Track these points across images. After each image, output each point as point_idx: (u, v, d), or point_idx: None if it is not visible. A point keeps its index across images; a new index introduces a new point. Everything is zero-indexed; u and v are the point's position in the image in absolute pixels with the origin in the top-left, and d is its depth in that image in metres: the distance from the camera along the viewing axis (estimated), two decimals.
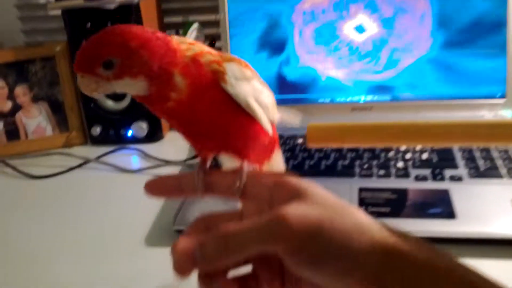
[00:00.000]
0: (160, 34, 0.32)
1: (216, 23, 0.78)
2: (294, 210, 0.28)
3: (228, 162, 0.38)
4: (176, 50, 0.32)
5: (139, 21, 0.78)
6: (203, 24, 0.88)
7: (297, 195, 0.30)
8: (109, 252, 0.55)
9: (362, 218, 0.29)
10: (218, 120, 0.34)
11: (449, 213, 0.52)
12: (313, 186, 0.31)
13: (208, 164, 0.36)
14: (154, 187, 0.37)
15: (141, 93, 0.32)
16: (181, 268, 0.30)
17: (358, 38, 0.75)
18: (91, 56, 0.30)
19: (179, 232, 0.56)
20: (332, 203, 0.30)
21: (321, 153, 0.66)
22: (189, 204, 0.58)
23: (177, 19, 0.93)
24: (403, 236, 0.29)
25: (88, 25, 0.79)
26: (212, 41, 0.86)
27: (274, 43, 0.77)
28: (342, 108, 0.77)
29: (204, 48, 0.34)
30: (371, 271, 0.27)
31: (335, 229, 0.28)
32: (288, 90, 0.77)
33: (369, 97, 0.76)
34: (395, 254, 0.28)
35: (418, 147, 0.65)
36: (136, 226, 0.58)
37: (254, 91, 0.34)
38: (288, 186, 0.31)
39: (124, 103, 0.81)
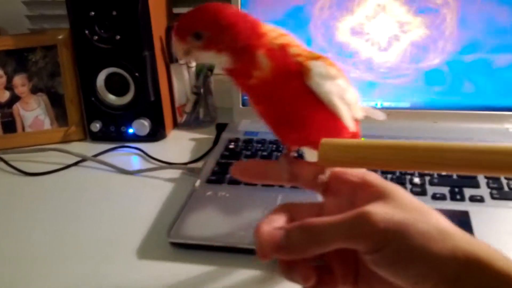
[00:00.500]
0: (250, 18, 0.34)
1: None
2: (380, 210, 0.29)
3: (310, 155, 0.41)
4: (264, 35, 0.34)
5: (146, 10, 0.74)
6: None
7: (381, 196, 0.31)
8: (97, 262, 0.51)
9: (444, 223, 0.30)
10: (298, 111, 0.35)
11: None
12: (398, 188, 0.32)
13: (293, 154, 0.37)
14: (241, 170, 0.38)
15: (225, 66, 0.34)
16: (264, 252, 0.31)
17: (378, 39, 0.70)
18: (185, 25, 0.34)
19: (174, 245, 0.52)
20: (416, 206, 0.30)
21: None
22: (186, 215, 0.54)
23: (186, 9, 0.88)
24: (483, 244, 0.29)
25: (92, 13, 0.75)
26: None
27: None
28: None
29: (295, 41, 0.35)
30: (450, 277, 0.28)
31: (418, 232, 0.29)
32: None
33: (387, 103, 0.71)
34: (475, 261, 0.28)
35: None
36: (128, 235, 0.55)
37: (339, 89, 0.35)
38: (373, 186, 0.32)
39: (127, 98, 0.77)
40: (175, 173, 0.68)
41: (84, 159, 0.72)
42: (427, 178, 0.58)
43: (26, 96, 0.80)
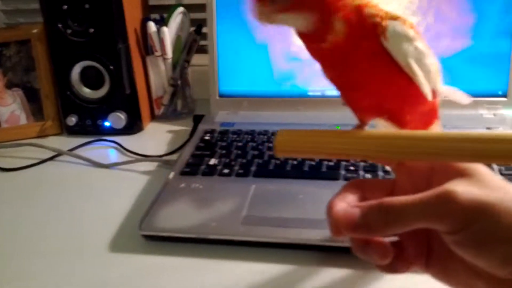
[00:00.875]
0: None
1: (203, 7, 0.73)
2: (464, 188, 0.28)
3: (383, 128, 0.38)
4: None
5: (119, 2, 0.73)
6: (190, 8, 0.83)
7: (463, 173, 0.30)
8: (69, 256, 0.51)
9: None
10: (372, 75, 0.33)
11: None
12: (479, 166, 0.30)
13: (365, 127, 0.36)
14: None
15: (301, 29, 0.33)
16: (339, 231, 0.31)
17: None
18: None
19: (146, 237, 0.52)
20: (500, 185, 0.29)
21: None
22: (158, 207, 0.54)
23: (163, 1, 0.88)
24: None
25: (65, 7, 0.74)
26: (198, 26, 0.81)
27: (262, 30, 0.72)
28: (334, 102, 0.72)
29: (373, 0, 0.33)
30: None
31: (505, 211, 0.27)
32: (277, 82, 0.73)
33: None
34: None
35: None
36: (101, 229, 0.54)
37: (417, 52, 0.33)
38: (452, 164, 0.31)
39: (102, 92, 0.76)
40: (150, 165, 0.67)
41: (60, 154, 0.71)
42: None
43: (1, 91, 0.79)
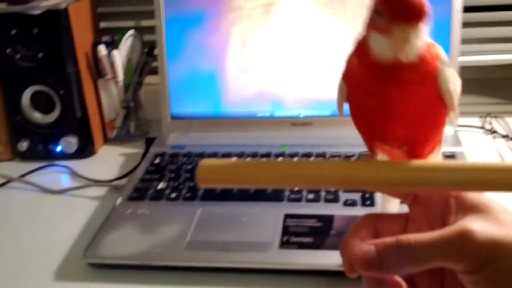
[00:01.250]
0: None
1: (154, 29, 0.74)
2: (481, 227, 0.28)
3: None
4: None
5: (68, 27, 0.74)
6: (141, 30, 0.84)
7: (478, 209, 0.30)
8: (15, 285, 0.51)
9: None
10: (422, 106, 0.32)
11: None
12: (493, 201, 0.30)
13: (376, 157, 0.36)
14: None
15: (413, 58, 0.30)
16: (353, 269, 0.31)
17: (297, 53, 0.72)
18: (419, 11, 0.29)
19: (92, 265, 0.52)
20: None
21: None
22: (103, 234, 0.55)
23: (114, 24, 0.89)
24: None
25: (13, 32, 0.74)
26: (150, 48, 0.82)
27: (212, 53, 0.74)
28: (282, 123, 0.74)
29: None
30: None
31: None
32: (226, 103, 0.74)
33: (309, 112, 0.73)
34: None
35: None
36: (47, 257, 0.55)
37: (455, 79, 0.33)
38: (467, 198, 0.31)
39: (53, 116, 0.76)
40: (101, 190, 0.68)
41: (10, 180, 0.71)
42: None
43: None
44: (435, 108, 0.33)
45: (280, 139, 0.72)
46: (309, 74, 0.72)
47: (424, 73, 0.31)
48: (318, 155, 0.68)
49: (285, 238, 0.52)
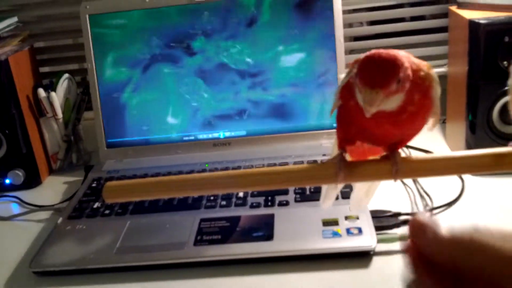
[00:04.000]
0: (406, 56, 0.35)
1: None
2: None
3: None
4: (415, 72, 0.36)
5: (9, 75, 0.83)
6: (77, 72, 0.95)
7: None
8: None
9: None
10: (420, 121, 0.38)
11: (268, 236, 0.62)
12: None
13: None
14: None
15: (392, 109, 0.35)
16: None
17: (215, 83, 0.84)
18: (388, 78, 0.34)
19: (37, 274, 0.62)
20: None
21: None
22: (46, 247, 0.64)
23: (53, 68, 0.99)
24: None
25: None
26: (85, 88, 0.92)
27: (140, 87, 0.85)
28: (205, 144, 0.85)
29: (413, 58, 0.37)
30: None
31: None
32: (155, 131, 0.85)
33: (228, 133, 0.85)
34: None
35: None
36: None
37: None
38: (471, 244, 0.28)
39: (1, 153, 0.85)
40: (46, 214, 0.77)
41: None
42: (249, 192, 0.72)
43: None
44: (425, 118, 0.38)
45: (204, 158, 0.83)
46: (227, 100, 0.84)
47: (419, 106, 0.36)
48: (233, 169, 0.79)
49: (199, 237, 0.63)
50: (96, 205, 0.73)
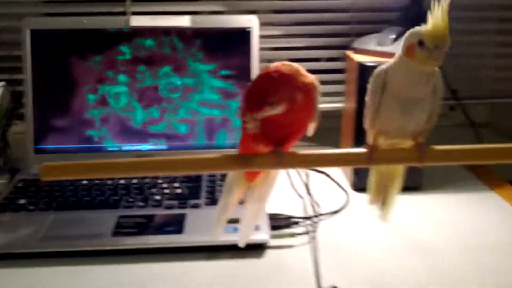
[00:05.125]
0: (286, 71, 0.47)
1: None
2: None
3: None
4: (296, 79, 0.47)
5: None
6: (12, 82, 1.01)
7: None
8: None
9: None
10: (306, 116, 0.50)
11: (178, 230, 0.71)
12: None
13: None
14: None
15: (279, 112, 0.47)
16: None
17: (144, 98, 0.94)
18: (259, 100, 0.45)
19: None
20: None
21: (98, 191, 0.82)
22: None
23: None
24: None
25: None
26: (18, 97, 0.98)
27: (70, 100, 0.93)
28: (128, 155, 0.94)
29: (298, 67, 0.49)
30: None
31: None
32: (81, 140, 0.93)
33: (151, 146, 0.94)
34: None
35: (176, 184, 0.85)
36: None
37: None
38: None
39: None
40: None
41: None
42: (166, 196, 0.81)
43: None
44: (308, 120, 0.52)
45: None
46: (152, 116, 0.94)
47: (305, 105, 0.49)
48: (152, 178, 0.88)
49: (117, 230, 0.71)
50: (21, 201, 0.79)
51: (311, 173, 0.97)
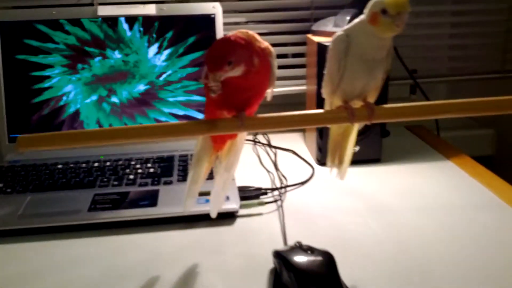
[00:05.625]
0: (242, 36, 0.51)
1: None
2: None
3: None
4: (253, 43, 0.52)
5: None
6: None
7: None
8: None
9: None
10: (264, 80, 0.54)
11: (153, 203, 0.75)
12: None
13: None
14: None
15: (238, 74, 0.51)
16: None
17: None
18: (219, 60, 0.49)
19: None
20: None
21: (73, 173, 0.85)
22: None
23: None
24: None
25: None
26: None
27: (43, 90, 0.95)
28: None
29: (254, 34, 0.53)
30: None
31: None
32: (54, 129, 0.95)
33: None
34: None
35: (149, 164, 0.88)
36: None
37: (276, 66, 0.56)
38: None
39: None
40: None
41: None
42: (139, 175, 0.84)
43: None
44: (266, 84, 0.56)
45: (98, 152, 0.95)
46: (125, 99, 0.97)
47: (261, 67, 0.53)
48: (125, 160, 0.91)
49: (93, 206, 0.75)
50: None
51: (279, 152, 1.02)
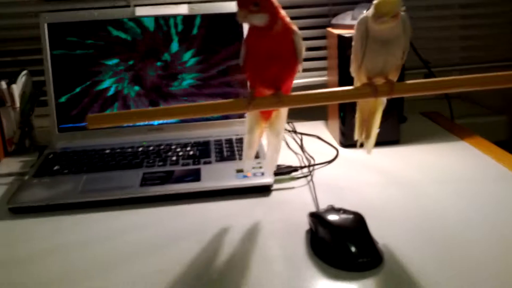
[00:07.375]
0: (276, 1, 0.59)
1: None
2: None
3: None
4: (281, 12, 0.60)
5: None
6: (34, 72, 1.12)
7: None
8: None
9: None
10: (286, 52, 0.61)
11: (196, 179, 0.84)
12: None
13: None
14: None
15: (260, 24, 0.58)
16: None
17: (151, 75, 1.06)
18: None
19: (11, 210, 0.78)
20: None
21: (120, 156, 0.94)
22: (18, 193, 0.81)
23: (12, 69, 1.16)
24: None
25: None
26: (39, 85, 1.10)
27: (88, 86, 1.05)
28: (141, 130, 1.06)
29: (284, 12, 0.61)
30: None
31: None
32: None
33: (162, 120, 1.06)
34: None
35: (188, 149, 0.97)
36: None
37: (302, 44, 0.62)
38: None
39: None
40: (10, 179, 0.93)
41: None
42: (181, 157, 0.93)
43: None
44: (293, 60, 0.62)
45: (141, 139, 1.04)
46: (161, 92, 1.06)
47: (284, 36, 0.60)
48: (166, 145, 1.00)
49: (143, 182, 0.84)
50: (55, 167, 0.91)
51: (304, 137, 1.10)
